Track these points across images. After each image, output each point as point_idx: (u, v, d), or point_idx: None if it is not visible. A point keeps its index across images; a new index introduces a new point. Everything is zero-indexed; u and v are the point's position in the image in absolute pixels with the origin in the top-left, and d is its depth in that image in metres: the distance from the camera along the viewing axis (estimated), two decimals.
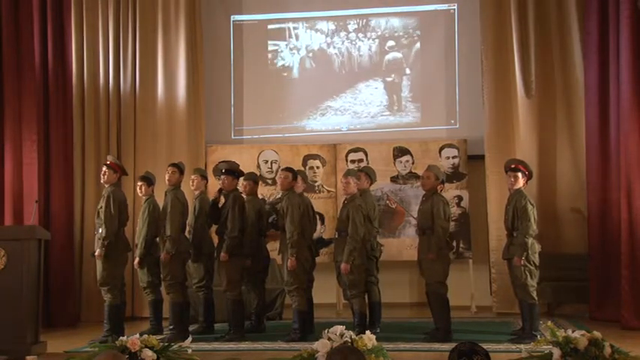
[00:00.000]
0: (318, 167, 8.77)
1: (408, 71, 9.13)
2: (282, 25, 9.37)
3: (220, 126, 9.24)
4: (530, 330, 6.20)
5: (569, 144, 8.24)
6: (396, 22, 9.18)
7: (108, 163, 6.99)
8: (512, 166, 6.50)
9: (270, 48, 9.36)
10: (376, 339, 4.94)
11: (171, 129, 8.64)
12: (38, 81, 8.07)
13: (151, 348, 4.90)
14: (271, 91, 9.30)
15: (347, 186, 6.66)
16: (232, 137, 9.27)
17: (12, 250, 6.03)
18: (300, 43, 9.34)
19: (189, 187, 7.33)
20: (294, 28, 9.35)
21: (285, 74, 9.33)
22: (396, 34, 9.17)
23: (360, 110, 9.18)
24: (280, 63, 9.34)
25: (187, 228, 7.00)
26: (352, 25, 9.26)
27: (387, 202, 8.59)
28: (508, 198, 6.52)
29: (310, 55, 9.31)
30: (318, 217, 7.65)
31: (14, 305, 5.96)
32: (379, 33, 9.20)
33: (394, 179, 8.64)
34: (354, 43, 9.23)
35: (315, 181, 8.71)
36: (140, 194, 7.17)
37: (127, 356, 4.73)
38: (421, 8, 9.14)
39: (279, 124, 9.29)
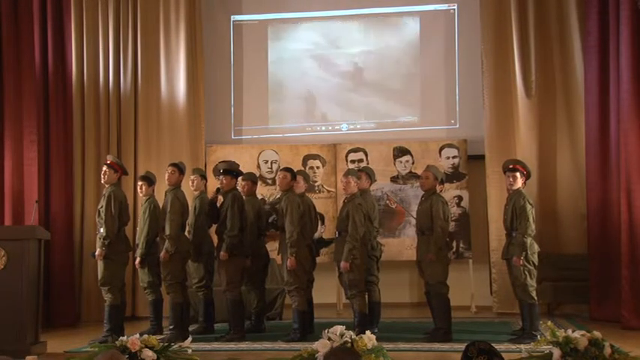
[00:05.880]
0: (318, 167, 8.77)
1: (408, 71, 9.13)
2: (282, 25, 9.37)
3: (220, 126, 9.24)
4: (530, 330, 6.19)
5: (569, 144, 8.23)
6: (396, 22, 9.18)
7: (108, 162, 6.98)
8: (511, 166, 6.50)
9: (270, 48, 9.35)
10: (376, 339, 4.94)
11: (172, 129, 8.64)
12: (38, 81, 8.07)
13: (151, 348, 4.90)
14: (271, 91, 9.30)
15: (347, 185, 6.65)
16: (232, 137, 9.26)
17: (12, 250, 6.04)
18: (300, 43, 9.33)
19: (189, 187, 7.33)
20: (295, 29, 9.35)
21: (286, 74, 9.33)
22: (396, 34, 9.17)
23: (360, 110, 9.19)
24: (280, 63, 9.34)
25: (187, 228, 7.00)
26: (352, 25, 9.26)
27: (387, 202, 8.59)
28: (507, 198, 6.52)
29: (310, 54, 9.30)
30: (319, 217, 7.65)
31: (14, 305, 5.97)
32: (379, 33, 9.19)
33: (394, 179, 8.64)
34: (354, 42, 9.23)
35: (315, 181, 8.70)
36: (141, 194, 7.17)
37: (127, 356, 4.73)
38: (421, 8, 9.13)
39: (279, 124, 9.29)
